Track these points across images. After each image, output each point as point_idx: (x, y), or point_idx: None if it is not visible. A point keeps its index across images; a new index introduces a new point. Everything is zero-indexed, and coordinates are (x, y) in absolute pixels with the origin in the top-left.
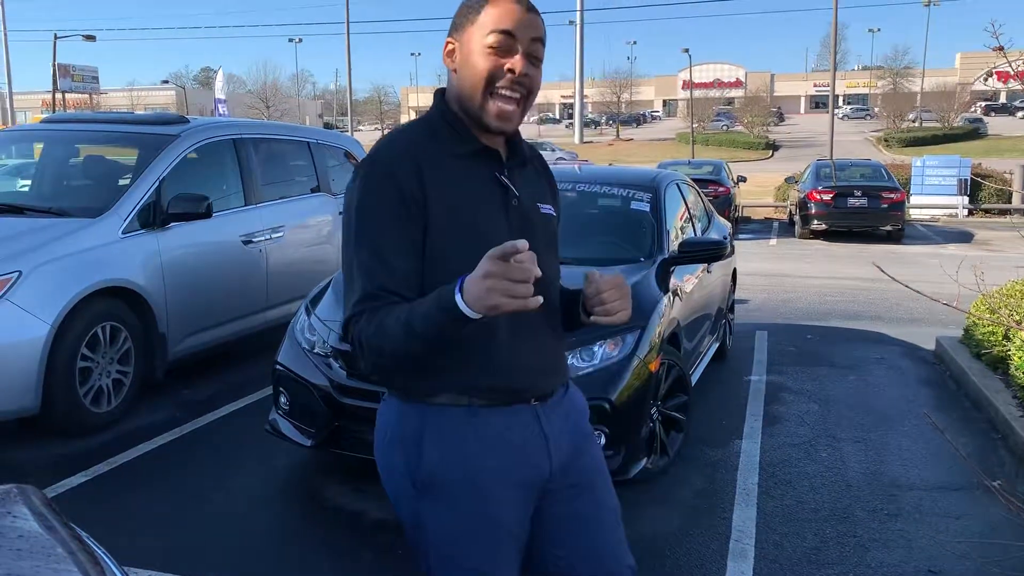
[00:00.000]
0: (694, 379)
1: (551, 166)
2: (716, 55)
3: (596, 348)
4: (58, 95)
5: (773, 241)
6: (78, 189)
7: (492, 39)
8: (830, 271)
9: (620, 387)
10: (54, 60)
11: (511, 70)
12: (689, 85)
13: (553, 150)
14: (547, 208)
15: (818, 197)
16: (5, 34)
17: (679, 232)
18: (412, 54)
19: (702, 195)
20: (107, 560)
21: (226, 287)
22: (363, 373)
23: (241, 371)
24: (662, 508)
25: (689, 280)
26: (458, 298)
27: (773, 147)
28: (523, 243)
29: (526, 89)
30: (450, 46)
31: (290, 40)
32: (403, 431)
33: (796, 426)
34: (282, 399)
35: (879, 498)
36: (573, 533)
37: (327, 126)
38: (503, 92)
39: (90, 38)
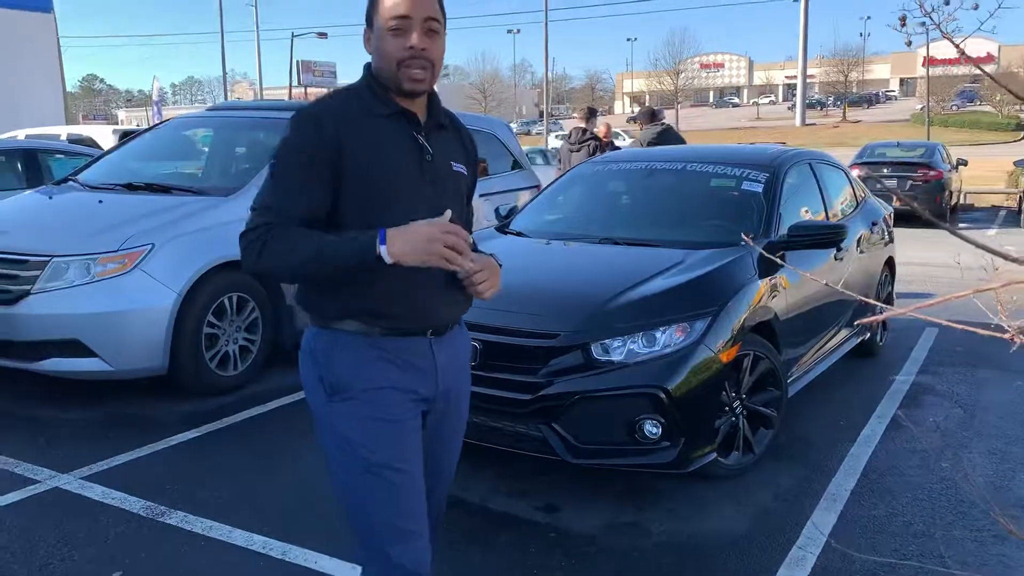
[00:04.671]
0: (814, 374)
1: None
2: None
3: (658, 334)
4: (298, 89)
5: (992, 231)
6: (230, 172)
7: (392, 24)
8: None
9: (680, 376)
10: (291, 56)
11: (411, 47)
12: (927, 62)
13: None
14: (458, 167)
15: None
16: (258, 34)
17: (810, 216)
18: (628, 39)
19: (851, 176)
20: None
21: None
22: (250, 269)
23: None
24: (733, 507)
25: (812, 266)
26: (380, 245)
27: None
28: (448, 213)
29: (429, 60)
30: (367, 35)
31: (508, 31)
32: (316, 348)
33: (925, 432)
34: None
35: (991, 518)
36: (432, 449)
37: (542, 115)
38: (410, 65)
39: (322, 35)
